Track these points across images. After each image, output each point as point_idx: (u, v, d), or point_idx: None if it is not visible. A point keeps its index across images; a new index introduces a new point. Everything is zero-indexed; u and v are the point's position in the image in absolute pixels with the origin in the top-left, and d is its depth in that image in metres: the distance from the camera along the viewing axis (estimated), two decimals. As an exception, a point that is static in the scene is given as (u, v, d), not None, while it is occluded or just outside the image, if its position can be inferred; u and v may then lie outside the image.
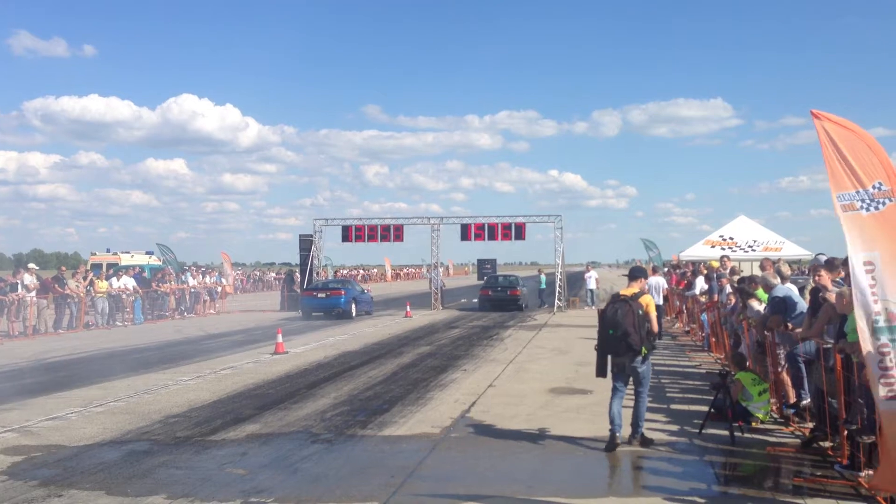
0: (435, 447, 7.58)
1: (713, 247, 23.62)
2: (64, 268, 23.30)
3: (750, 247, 23.54)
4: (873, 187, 5.20)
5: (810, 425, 7.72)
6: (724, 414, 7.80)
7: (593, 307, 28.87)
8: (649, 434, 7.59)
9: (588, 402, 9.82)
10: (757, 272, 11.41)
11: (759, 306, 9.55)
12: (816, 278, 7.74)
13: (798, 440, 7.63)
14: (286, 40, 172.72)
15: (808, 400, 7.84)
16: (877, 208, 5.18)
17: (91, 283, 22.23)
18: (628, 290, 7.56)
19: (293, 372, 12.89)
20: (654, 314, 7.46)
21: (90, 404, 9.93)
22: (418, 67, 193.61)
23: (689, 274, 19.92)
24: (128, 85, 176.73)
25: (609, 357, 7.49)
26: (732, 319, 11.45)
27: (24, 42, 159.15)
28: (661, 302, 18.64)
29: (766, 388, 8.34)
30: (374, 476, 6.52)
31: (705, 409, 8.19)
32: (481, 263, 53.91)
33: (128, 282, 23.74)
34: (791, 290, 8.61)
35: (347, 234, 29.80)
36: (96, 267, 27.44)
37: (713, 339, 14.83)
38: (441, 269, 32.77)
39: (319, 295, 25.75)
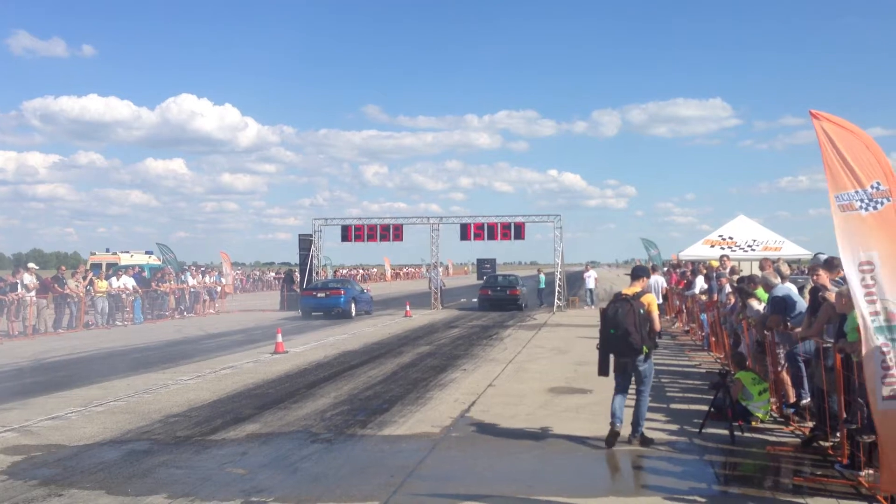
0: (435, 447, 7.58)
1: (713, 246, 23.64)
2: (63, 267, 23.25)
3: (749, 246, 23.56)
4: (872, 187, 5.21)
5: (810, 424, 7.72)
6: (724, 413, 7.79)
7: (592, 307, 28.91)
8: (649, 433, 7.59)
9: (588, 401, 9.83)
10: (756, 272, 11.41)
11: (758, 306, 9.56)
12: (815, 278, 7.75)
13: (798, 439, 7.63)
14: (286, 40, 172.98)
15: (808, 399, 7.85)
16: (875, 208, 5.18)
17: (91, 283, 22.23)
18: (630, 290, 7.56)
19: (293, 371, 12.90)
20: (655, 313, 7.45)
21: (90, 404, 9.94)
22: (418, 67, 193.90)
23: (688, 273, 19.91)
24: (127, 85, 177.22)
25: (611, 356, 7.50)
26: (732, 319, 11.45)
27: (24, 42, 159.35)
28: (660, 301, 18.65)
29: (766, 388, 8.34)
30: (373, 475, 6.52)
31: (705, 408, 8.19)
32: (481, 263, 53.88)
33: (127, 281, 23.74)
34: (791, 289, 8.61)
35: (347, 234, 29.80)
36: (96, 267, 27.40)
37: (713, 339, 14.83)
38: (440, 269, 32.77)
39: (319, 294, 25.75)
